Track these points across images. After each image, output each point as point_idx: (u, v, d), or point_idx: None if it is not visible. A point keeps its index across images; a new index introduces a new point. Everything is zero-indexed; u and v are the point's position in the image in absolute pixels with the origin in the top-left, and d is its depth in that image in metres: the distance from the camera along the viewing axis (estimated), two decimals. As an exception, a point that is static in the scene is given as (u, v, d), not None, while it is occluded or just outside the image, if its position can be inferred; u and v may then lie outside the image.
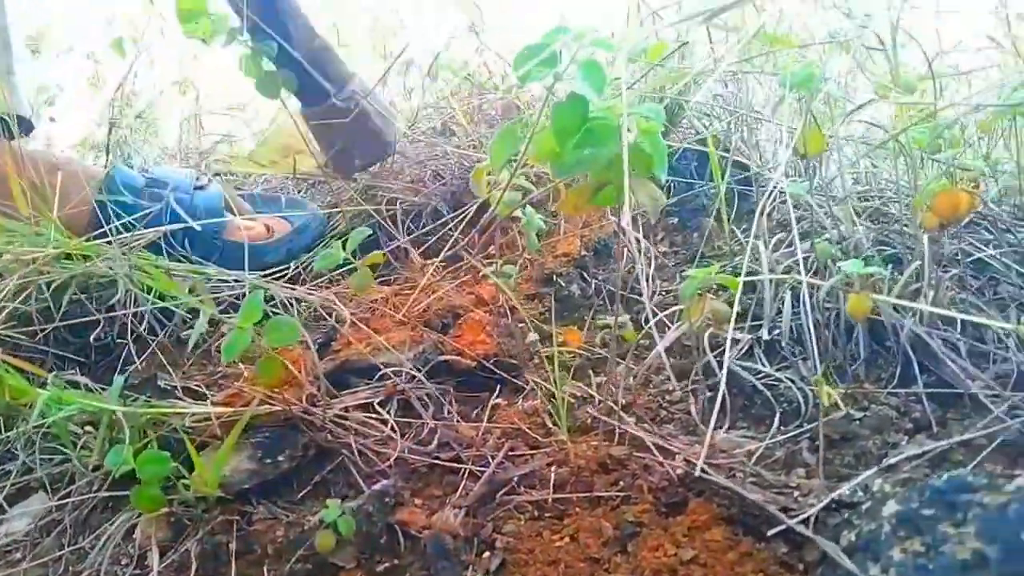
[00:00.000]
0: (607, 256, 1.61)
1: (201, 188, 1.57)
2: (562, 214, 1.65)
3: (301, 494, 1.08)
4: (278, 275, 1.52)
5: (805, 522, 0.89)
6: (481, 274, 1.37)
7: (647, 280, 1.48)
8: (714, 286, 1.10)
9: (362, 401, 1.18)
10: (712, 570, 0.89)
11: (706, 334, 1.19)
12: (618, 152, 0.89)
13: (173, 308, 1.33)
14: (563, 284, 1.51)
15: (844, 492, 0.94)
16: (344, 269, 1.28)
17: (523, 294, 1.50)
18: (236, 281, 1.38)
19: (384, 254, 1.27)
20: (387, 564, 0.97)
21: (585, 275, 1.55)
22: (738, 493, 0.95)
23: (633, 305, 1.46)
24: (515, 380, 1.25)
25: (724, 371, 1.00)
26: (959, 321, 1.20)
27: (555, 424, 1.13)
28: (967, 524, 0.73)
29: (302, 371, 1.15)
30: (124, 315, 1.33)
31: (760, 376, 1.19)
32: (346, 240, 1.13)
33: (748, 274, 1.31)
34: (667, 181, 1.77)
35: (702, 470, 0.96)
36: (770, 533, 0.89)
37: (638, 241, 1.53)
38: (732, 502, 0.95)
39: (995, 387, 1.12)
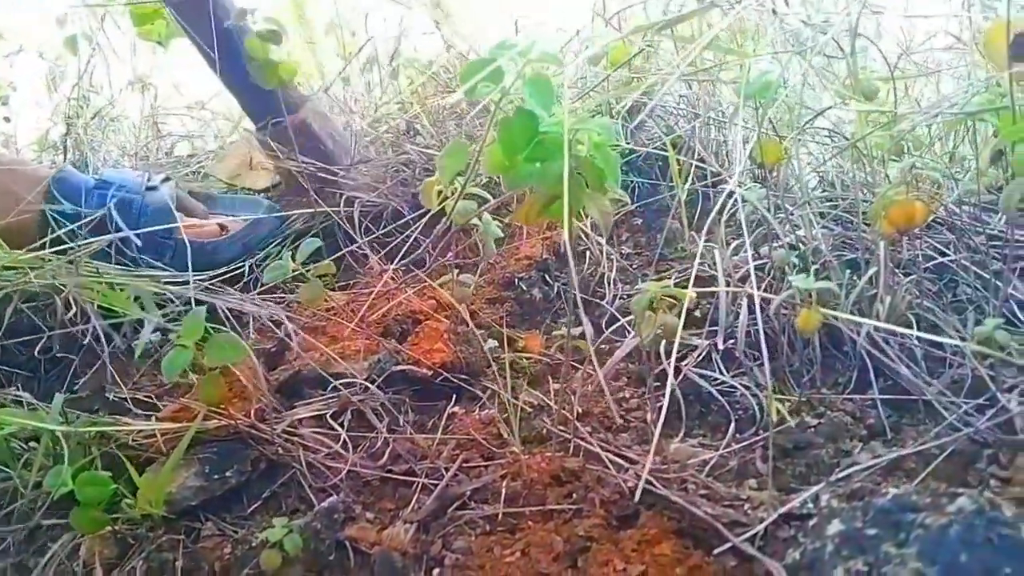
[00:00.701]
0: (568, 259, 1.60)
1: (153, 188, 1.56)
2: (524, 217, 1.65)
3: (250, 509, 1.07)
4: (231, 277, 1.50)
5: (752, 538, 0.90)
6: (439, 281, 1.37)
7: (609, 284, 1.48)
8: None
9: (314, 413, 1.17)
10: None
11: (662, 342, 1.19)
12: (566, 167, 0.89)
13: (120, 319, 1.31)
14: (525, 288, 1.51)
15: (794, 505, 0.94)
16: (299, 274, 1.28)
17: (484, 298, 1.49)
18: (187, 284, 1.37)
19: (337, 261, 1.26)
20: (336, 582, 0.97)
21: (548, 278, 1.55)
22: (690, 505, 0.96)
23: (595, 309, 1.46)
24: (472, 388, 1.25)
25: (670, 382, 1.01)
26: (915, 326, 1.21)
27: (511, 434, 1.13)
28: (909, 545, 0.73)
29: (251, 384, 1.14)
30: (71, 327, 1.31)
31: (716, 383, 1.20)
32: (296, 249, 1.12)
33: (707, 279, 1.32)
34: (632, 182, 1.77)
35: (648, 481, 0.97)
36: (716, 552, 0.89)
37: (602, 244, 1.53)
38: (683, 515, 0.96)
39: (948, 394, 1.13)
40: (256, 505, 1.08)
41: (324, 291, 1.17)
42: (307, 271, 1.14)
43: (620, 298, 1.46)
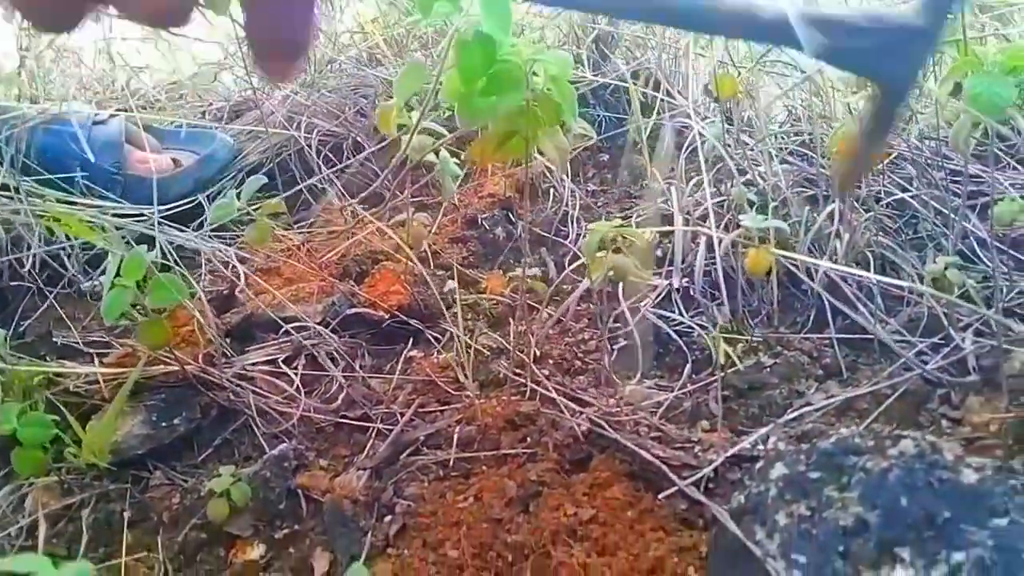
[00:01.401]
0: (536, 196, 1.58)
1: (102, 123, 1.52)
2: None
3: (201, 457, 1.06)
4: (184, 214, 1.46)
5: (700, 481, 0.90)
6: (394, 220, 1.34)
7: (572, 222, 1.46)
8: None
9: (267, 358, 1.16)
10: (611, 528, 0.89)
11: (621, 283, 1.18)
12: (524, 101, 0.86)
13: (67, 253, 1.28)
14: (487, 227, 1.48)
15: (745, 447, 0.94)
16: (255, 210, 1.24)
17: (447, 237, 1.47)
18: (136, 219, 1.33)
19: (294, 196, 1.23)
20: (287, 530, 0.96)
21: (511, 216, 1.53)
22: (642, 448, 0.96)
23: (559, 248, 1.44)
24: (431, 331, 1.24)
25: (627, 324, 0.99)
26: (873, 264, 1.21)
27: (467, 378, 1.12)
28: (851, 489, 0.73)
29: (200, 328, 1.12)
30: (18, 266, 1.28)
31: (675, 324, 1.19)
32: (241, 190, 1.08)
33: (665, 217, 1.30)
34: (599, 116, 1.74)
35: (601, 424, 0.97)
36: (662, 496, 0.89)
37: (566, 181, 1.51)
38: (635, 458, 0.96)
39: (904, 333, 1.12)
40: (207, 453, 1.07)
41: (272, 231, 1.14)
42: (255, 209, 1.11)
43: (583, 237, 1.44)
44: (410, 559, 0.91)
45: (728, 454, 0.92)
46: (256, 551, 0.95)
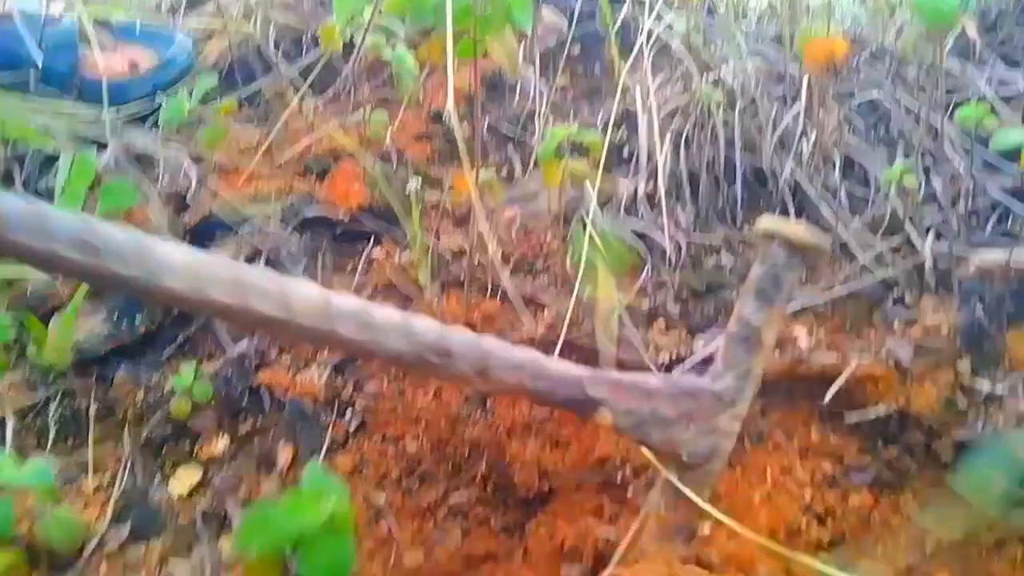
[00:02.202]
0: (503, 91, 1.58)
1: (53, 22, 1.50)
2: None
3: (165, 356, 1.10)
4: (142, 115, 1.47)
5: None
6: (354, 118, 1.35)
7: (539, 119, 1.47)
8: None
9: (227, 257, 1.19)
10: (564, 425, 0.95)
11: (585, 183, 1.21)
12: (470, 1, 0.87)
13: (20, 155, 1.29)
14: (453, 123, 1.49)
15: (697, 348, 0.99)
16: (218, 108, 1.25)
17: (411, 134, 1.48)
18: (92, 122, 1.34)
19: (255, 94, 1.23)
20: (250, 426, 1.02)
21: (479, 113, 1.53)
22: (595, 350, 1.00)
23: (524, 147, 1.46)
24: (392, 231, 1.27)
25: (588, 227, 1.02)
26: (838, 164, 1.24)
27: (433, 278, 1.16)
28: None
29: (158, 229, 1.15)
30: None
31: (638, 225, 1.22)
32: (193, 88, 1.09)
33: (631, 116, 1.31)
34: (572, 5, 1.73)
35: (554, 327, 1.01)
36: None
37: (533, 78, 1.51)
38: (592, 359, 1.00)
39: (866, 233, 1.16)
40: (170, 351, 1.11)
41: (227, 131, 1.15)
42: (209, 108, 1.12)
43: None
44: (370, 452, 0.96)
45: (679, 356, 0.97)
46: (221, 444, 1.01)
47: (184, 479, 0.98)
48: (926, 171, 1.24)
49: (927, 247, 1.11)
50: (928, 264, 1.09)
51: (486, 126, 1.51)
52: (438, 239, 1.22)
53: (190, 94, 1.07)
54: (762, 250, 0.73)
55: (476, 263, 1.16)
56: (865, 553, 0.87)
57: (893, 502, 0.91)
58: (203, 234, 1.23)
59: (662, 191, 1.23)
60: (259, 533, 0.65)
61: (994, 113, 1.08)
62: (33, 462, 0.82)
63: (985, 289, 1.03)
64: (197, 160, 1.33)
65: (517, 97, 1.53)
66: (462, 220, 1.30)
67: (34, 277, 1.10)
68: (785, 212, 1.21)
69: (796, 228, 0.71)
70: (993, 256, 1.06)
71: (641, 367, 0.98)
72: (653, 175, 1.26)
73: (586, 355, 1.00)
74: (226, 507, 0.95)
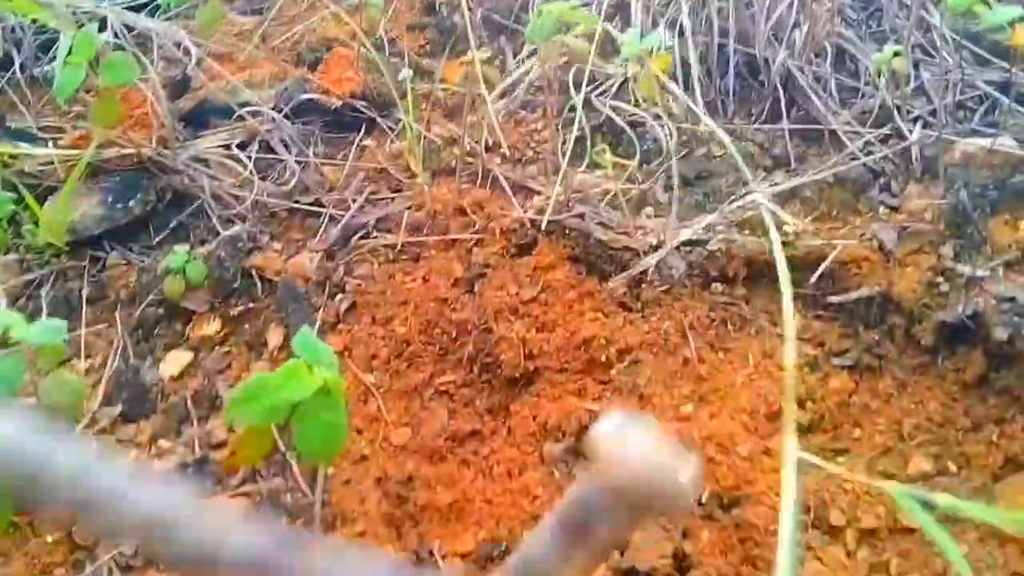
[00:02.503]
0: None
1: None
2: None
3: (157, 239, 1.08)
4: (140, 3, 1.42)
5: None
6: (348, 4, 1.31)
7: (532, 8, 1.42)
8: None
9: (221, 143, 1.16)
10: (551, 308, 0.94)
11: (572, 69, 1.18)
12: None
13: (18, 39, 1.25)
14: (446, 14, 1.45)
15: (686, 233, 0.98)
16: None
17: (404, 24, 1.44)
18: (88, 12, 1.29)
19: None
20: (242, 308, 1.00)
21: (471, 2, 1.49)
22: (586, 233, 0.99)
23: (518, 36, 1.42)
24: (384, 120, 1.24)
25: (578, 113, 1.00)
26: (830, 55, 1.20)
27: (418, 166, 1.14)
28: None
29: (153, 111, 1.12)
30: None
31: (630, 115, 1.19)
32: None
33: (625, 6, 1.27)
34: None
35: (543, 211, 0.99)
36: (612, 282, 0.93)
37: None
38: (579, 243, 0.99)
39: (854, 124, 1.14)
40: (163, 235, 1.09)
41: (222, 14, 1.11)
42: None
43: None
44: (360, 333, 0.96)
45: (662, 241, 0.95)
46: (212, 326, 1.00)
47: (175, 361, 0.97)
48: (916, 64, 1.21)
49: (915, 135, 1.08)
50: (915, 152, 1.07)
51: (479, 16, 1.47)
52: (429, 128, 1.19)
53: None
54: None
55: (467, 151, 1.14)
56: (844, 435, 0.88)
57: (873, 386, 0.90)
58: (198, 119, 1.20)
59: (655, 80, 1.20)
60: (251, 404, 0.63)
61: (985, 2, 1.04)
62: (43, 322, 0.80)
63: (969, 176, 1.01)
64: (196, 44, 1.29)
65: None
66: (454, 110, 1.27)
67: (29, 157, 1.08)
68: (777, 103, 1.18)
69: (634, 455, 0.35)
70: (978, 144, 1.04)
71: (630, 248, 0.96)
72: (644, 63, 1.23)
73: (574, 235, 0.99)
74: (216, 388, 0.94)
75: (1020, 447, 0.83)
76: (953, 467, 0.84)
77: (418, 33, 1.41)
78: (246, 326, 1.00)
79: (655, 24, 1.24)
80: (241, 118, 1.17)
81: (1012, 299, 0.86)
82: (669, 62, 1.04)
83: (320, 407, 0.63)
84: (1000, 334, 0.84)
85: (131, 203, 1.07)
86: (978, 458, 0.84)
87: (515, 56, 1.36)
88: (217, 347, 0.99)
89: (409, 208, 1.07)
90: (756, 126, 1.18)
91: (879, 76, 1.14)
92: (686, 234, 0.97)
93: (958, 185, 0.99)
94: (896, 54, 1.02)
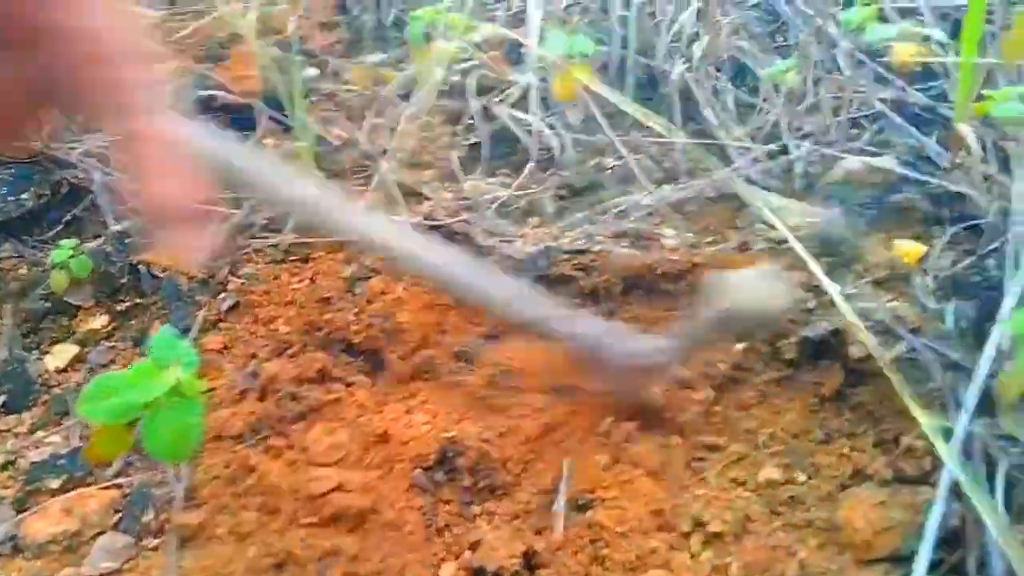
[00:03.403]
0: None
1: None
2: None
3: (51, 233, 1.13)
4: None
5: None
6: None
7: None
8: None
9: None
10: (419, 311, 1.01)
11: (474, 79, 1.24)
12: None
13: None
14: (358, 13, 1.51)
15: (564, 242, 1.05)
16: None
17: (316, 22, 1.50)
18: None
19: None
20: (128, 303, 1.06)
21: (385, 2, 1.55)
22: (470, 239, 1.06)
23: (432, 39, 1.48)
24: (286, 118, 1.29)
25: (475, 120, 1.07)
26: (730, 69, 1.28)
27: (318, 168, 1.20)
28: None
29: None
30: None
31: (527, 124, 1.26)
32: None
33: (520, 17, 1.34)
34: None
35: (435, 217, 1.06)
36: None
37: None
38: (462, 249, 1.06)
39: (745, 139, 1.22)
40: (57, 229, 1.14)
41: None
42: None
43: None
44: (240, 332, 1.01)
45: (546, 246, 1.02)
46: (99, 321, 1.05)
47: (61, 354, 1.02)
48: (817, 81, 1.29)
49: (803, 151, 1.16)
50: (799, 168, 1.15)
51: (392, 17, 1.53)
52: (329, 128, 1.25)
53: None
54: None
55: (362, 154, 1.20)
56: (702, 444, 0.95)
57: (735, 397, 0.98)
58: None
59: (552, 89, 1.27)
60: (100, 402, 0.67)
61: (881, 19, 1.12)
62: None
63: (849, 194, 1.10)
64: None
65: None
66: (358, 111, 1.33)
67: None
68: (671, 118, 1.25)
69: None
70: (859, 162, 1.12)
71: (510, 257, 1.03)
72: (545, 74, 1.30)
73: (459, 240, 1.06)
74: (99, 383, 1.00)
75: (868, 459, 0.90)
76: (802, 476, 0.91)
77: (329, 32, 1.47)
78: (132, 321, 1.05)
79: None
80: (139, 113, 1.22)
81: (871, 317, 0.94)
82: (589, 71, 1.11)
83: (172, 408, 0.69)
84: (856, 352, 0.92)
85: (24, 196, 1.12)
86: (828, 468, 0.91)
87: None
88: (103, 341, 1.04)
89: (301, 209, 1.13)
90: (652, 138, 1.25)
91: (775, 91, 1.22)
92: (564, 243, 1.04)
93: (836, 204, 1.07)
94: (787, 70, 1.10)
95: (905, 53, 0.97)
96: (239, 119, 1.27)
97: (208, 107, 1.26)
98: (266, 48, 1.33)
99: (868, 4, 1.13)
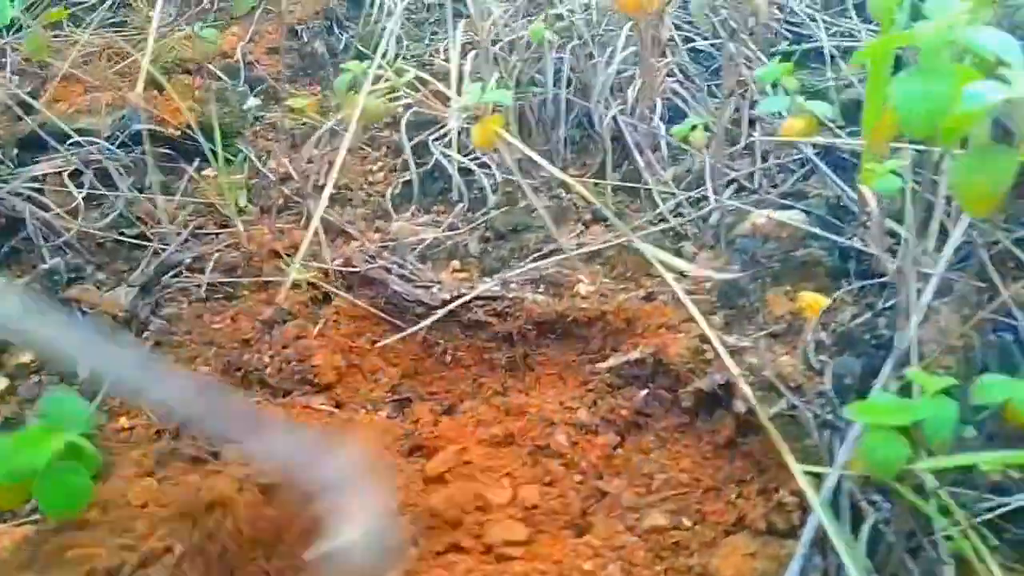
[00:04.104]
0: (363, 5, 1.65)
1: None
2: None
3: (-13, 263, 1.21)
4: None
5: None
6: (204, 27, 1.43)
7: (391, 40, 1.55)
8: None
9: (54, 170, 1.28)
10: (342, 353, 1.08)
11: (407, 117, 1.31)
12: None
13: None
14: (307, 39, 1.58)
15: (481, 290, 1.12)
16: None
17: (264, 47, 1.57)
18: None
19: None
20: (56, 339, 1.13)
21: (336, 28, 1.62)
22: (386, 285, 1.13)
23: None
24: (226, 150, 1.36)
25: (408, 160, 1.13)
26: (663, 112, 1.35)
27: (250, 202, 1.27)
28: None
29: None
30: None
31: (463, 163, 1.32)
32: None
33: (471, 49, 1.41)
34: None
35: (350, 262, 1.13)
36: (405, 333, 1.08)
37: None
38: (378, 293, 1.13)
39: (672, 185, 1.29)
40: (-6, 259, 1.22)
41: (47, 40, 1.22)
42: (34, 18, 1.19)
43: (402, 57, 1.55)
44: (161, 372, 1.09)
45: (459, 294, 1.09)
46: (28, 355, 1.13)
47: (-9, 387, 1.11)
48: (752, 122, 1.36)
49: (724, 197, 1.23)
50: (715, 219, 1.22)
51: (343, 44, 1.60)
52: (267, 161, 1.32)
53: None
54: None
55: (297, 190, 1.27)
56: (599, 487, 1.02)
57: (636, 442, 1.05)
58: (35, 145, 1.32)
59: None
60: None
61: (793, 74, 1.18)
62: None
63: (755, 246, 1.16)
64: (42, 66, 1.41)
65: (374, 12, 1.61)
66: (300, 141, 1.40)
67: None
68: (604, 161, 1.32)
69: None
70: (765, 217, 1.18)
71: (423, 303, 1.10)
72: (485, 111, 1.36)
73: (376, 284, 1.13)
74: (25, 417, 1.08)
75: (751, 507, 0.96)
76: (688, 522, 0.98)
77: (277, 58, 1.54)
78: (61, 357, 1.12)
79: (495, 71, 1.38)
80: (79, 144, 1.29)
81: (758, 373, 1.01)
82: (501, 121, 1.18)
83: (62, 470, 0.74)
84: (739, 407, 0.98)
85: (-43, 229, 1.19)
86: (714, 515, 0.98)
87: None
88: (32, 375, 1.12)
89: (229, 247, 1.20)
90: (584, 179, 1.32)
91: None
92: (481, 289, 1.11)
93: (740, 256, 1.13)
94: (694, 127, 1.17)
95: (795, 128, 1.02)
96: (179, 149, 1.34)
97: (149, 136, 1.32)
98: (208, 77, 1.41)
99: (789, 57, 1.19)
